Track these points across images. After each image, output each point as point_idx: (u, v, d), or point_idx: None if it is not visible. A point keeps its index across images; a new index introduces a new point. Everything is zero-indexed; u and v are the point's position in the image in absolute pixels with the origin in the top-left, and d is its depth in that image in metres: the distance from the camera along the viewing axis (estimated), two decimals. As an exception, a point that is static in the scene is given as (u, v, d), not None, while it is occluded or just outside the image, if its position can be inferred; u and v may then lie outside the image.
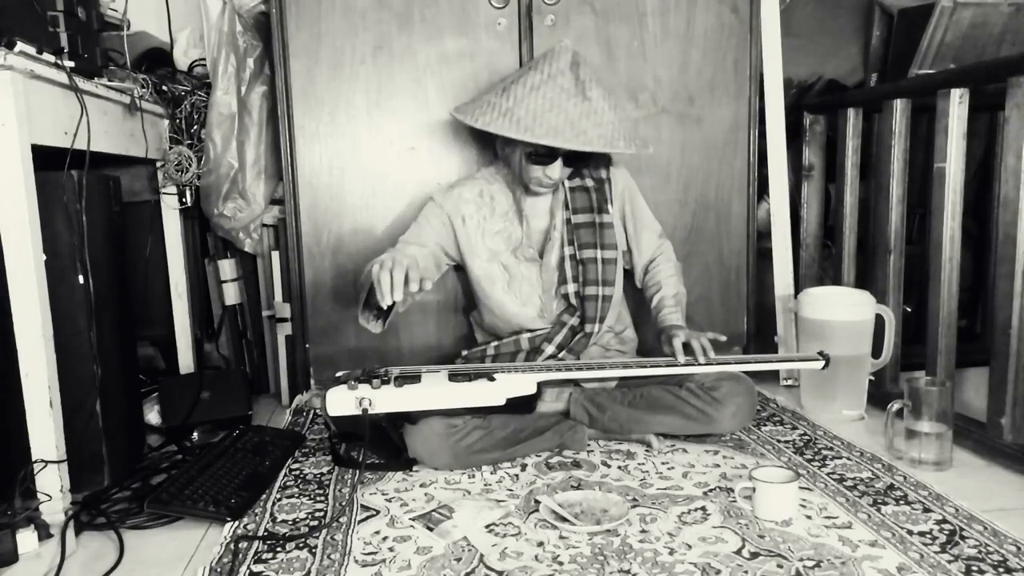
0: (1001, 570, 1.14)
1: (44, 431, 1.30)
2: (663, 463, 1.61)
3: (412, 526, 1.34)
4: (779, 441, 1.74)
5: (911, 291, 2.16)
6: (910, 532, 1.27)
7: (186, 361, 2.13)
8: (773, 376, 2.26)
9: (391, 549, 1.26)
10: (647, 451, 1.68)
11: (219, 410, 1.93)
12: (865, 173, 2.21)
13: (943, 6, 2.14)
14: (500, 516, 1.37)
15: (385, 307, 1.50)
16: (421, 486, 1.52)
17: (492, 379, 1.54)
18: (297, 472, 1.62)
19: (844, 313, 1.90)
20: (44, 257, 1.31)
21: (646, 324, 1.88)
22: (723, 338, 1.66)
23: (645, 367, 1.64)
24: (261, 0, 2.07)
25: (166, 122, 2.02)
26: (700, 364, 1.60)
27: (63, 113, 1.42)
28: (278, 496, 1.49)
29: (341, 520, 1.37)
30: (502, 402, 1.53)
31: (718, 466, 1.58)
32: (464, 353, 1.86)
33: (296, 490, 1.52)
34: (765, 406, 2.00)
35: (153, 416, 1.94)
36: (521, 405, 1.63)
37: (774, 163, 2.20)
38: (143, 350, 2.19)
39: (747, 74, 2.06)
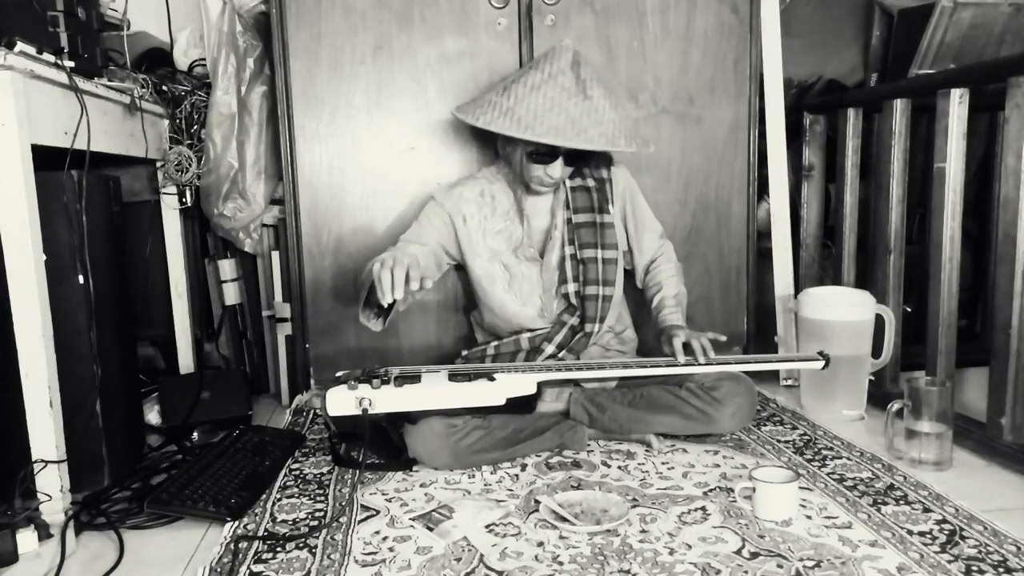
0: (1001, 570, 1.14)
1: (44, 431, 1.30)
2: (663, 463, 1.61)
3: (412, 526, 1.34)
4: (779, 441, 1.74)
5: (911, 291, 2.16)
6: (910, 532, 1.27)
7: (186, 361, 2.13)
8: (773, 376, 2.26)
9: (391, 549, 1.26)
10: (647, 451, 1.68)
11: (219, 410, 1.93)
12: (865, 173, 2.21)
13: (943, 6, 2.14)
14: (500, 516, 1.37)
15: (385, 305, 1.50)
16: (421, 486, 1.52)
17: (492, 379, 1.54)
18: (297, 472, 1.62)
19: (844, 313, 1.90)
20: (44, 257, 1.31)
21: (646, 324, 1.88)
22: (723, 338, 1.66)
23: (645, 367, 1.64)
24: (261, 0, 2.07)
25: (166, 122, 2.02)
26: (700, 364, 1.60)
27: (63, 113, 1.42)
28: (278, 496, 1.49)
29: (341, 520, 1.37)
30: (502, 402, 1.53)
31: (718, 466, 1.58)
32: (464, 353, 1.86)
33: (296, 490, 1.52)
34: (765, 406, 2.00)
35: (153, 416, 1.94)
36: (521, 405, 1.63)
37: (774, 163, 2.20)
38: (143, 350, 2.19)
39: (747, 74, 2.06)
